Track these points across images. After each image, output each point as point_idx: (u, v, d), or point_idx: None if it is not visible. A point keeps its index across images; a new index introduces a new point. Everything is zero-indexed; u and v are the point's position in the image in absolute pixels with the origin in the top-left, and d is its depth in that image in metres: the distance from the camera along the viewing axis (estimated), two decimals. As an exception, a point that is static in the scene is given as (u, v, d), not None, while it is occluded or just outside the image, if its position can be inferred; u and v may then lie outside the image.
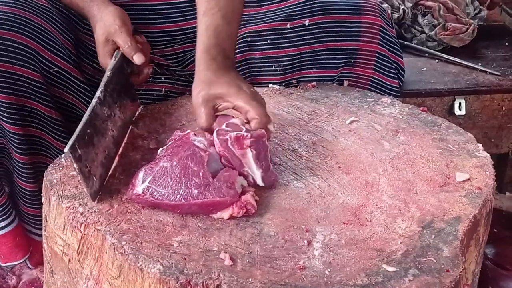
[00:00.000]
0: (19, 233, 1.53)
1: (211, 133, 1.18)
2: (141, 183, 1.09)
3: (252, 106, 1.19)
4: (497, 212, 1.86)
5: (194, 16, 1.61)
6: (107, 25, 1.36)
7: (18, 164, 1.44)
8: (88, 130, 1.13)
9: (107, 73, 1.28)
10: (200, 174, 1.08)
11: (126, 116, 1.31)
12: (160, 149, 1.18)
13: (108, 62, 1.35)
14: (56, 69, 1.44)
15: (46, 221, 1.14)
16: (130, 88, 1.38)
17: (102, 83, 1.24)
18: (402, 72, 1.75)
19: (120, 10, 1.40)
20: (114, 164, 1.20)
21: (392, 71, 1.70)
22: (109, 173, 1.17)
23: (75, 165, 1.06)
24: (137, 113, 1.38)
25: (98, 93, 1.21)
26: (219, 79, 1.23)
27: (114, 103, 1.26)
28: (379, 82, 1.70)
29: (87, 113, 1.15)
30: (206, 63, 1.25)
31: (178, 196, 1.07)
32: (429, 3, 2.17)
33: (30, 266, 1.61)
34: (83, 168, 1.08)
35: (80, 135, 1.09)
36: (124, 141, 1.27)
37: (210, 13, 1.31)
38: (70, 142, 1.07)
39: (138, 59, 1.35)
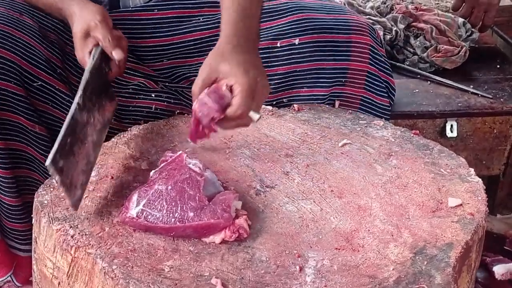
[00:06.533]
0: (1, 249, 1.51)
1: (194, 99, 1.23)
2: (135, 206, 1.08)
3: (241, 95, 1.21)
4: (488, 234, 1.86)
5: (183, 31, 1.62)
6: (87, 20, 1.36)
7: (0, 178, 1.43)
8: (69, 139, 1.12)
9: (86, 75, 1.26)
10: (196, 198, 1.08)
11: (105, 118, 1.31)
12: (153, 171, 1.18)
13: (85, 56, 1.35)
14: (40, 83, 1.44)
15: (36, 243, 1.13)
16: (108, 87, 1.38)
17: (81, 87, 1.22)
18: (393, 91, 1.76)
19: (100, 7, 1.40)
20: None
21: (383, 90, 1.71)
22: (89, 179, 1.18)
23: (56, 178, 1.06)
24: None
25: (77, 99, 1.19)
26: (233, 56, 1.26)
27: (93, 106, 1.25)
28: (369, 101, 1.70)
29: (67, 120, 1.14)
30: (227, 37, 1.30)
31: (173, 219, 1.06)
32: (422, 25, 2.18)
33: (17, 283, 1.59)
34: (65, 180, 1.07)
35: (60, 145, 1.09)
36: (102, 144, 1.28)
37: None
38: (50, 156, 1.06)
39: (117, 54, 1.35)
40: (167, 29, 1.62)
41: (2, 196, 1.45)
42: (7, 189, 1.44)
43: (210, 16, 1.66)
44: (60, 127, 1.49)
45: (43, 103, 1.46)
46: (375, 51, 1.66)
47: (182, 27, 1.62)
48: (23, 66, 1.40)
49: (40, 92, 1.44)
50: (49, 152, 1.45)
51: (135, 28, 1.60)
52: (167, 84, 1.64)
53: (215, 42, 1.64)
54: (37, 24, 1.46)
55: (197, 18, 1.64)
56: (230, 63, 1.25)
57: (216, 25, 1.65)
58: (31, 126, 1.43)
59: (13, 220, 1.48)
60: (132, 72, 1.62)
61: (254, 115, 1.25)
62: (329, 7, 1.69)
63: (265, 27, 1.65)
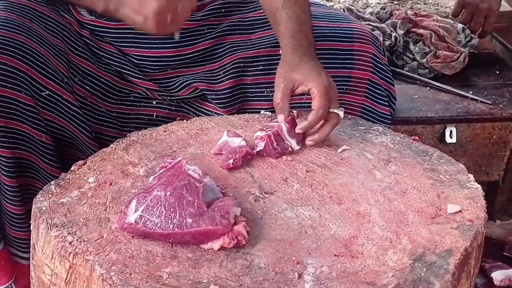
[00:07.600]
0: (4, 256, 1.51)
1: (279, 111, 1.37)
2: (133, 212, 1.08)
3: (319, 96, 1.34)
4: (487, 240, 1.85)
5: (189, 42, 1.62)
6: None
7: (5, 186, 1.43)
8: None
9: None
10: (195, 204, 1.08)
11: None
12: (152, 177, 1.18)
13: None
14: (47, 92, 1.44)
15: (34, 249, 1.13)
16: None
17: None
18: (394, 100, 1.76)
19: None
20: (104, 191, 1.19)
21: (384, 98, 1.71)
22: None
23: None
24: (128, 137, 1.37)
25: None
26: (303, 65, 1.38)
27: None
28: (370, 109, 1.70)
29: None
30: (293, 49, 1.41)
31: (171, 225, 1.06)
32: (421, 31, 2.19)
33: (16, 291, 1.59)
34: None
35: None
36: None
37: (289, 5, 1.46)
38: None
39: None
40: (174, 40, 1.61)
41: (7, 204, 1.45)
42: (12, 198, 1.44)
43: (214, 26, 1.66)
44: (66, 137, 1.50)
45: (50, 112, 1.46)
46: (377, 59, 1.66)
47: (188, 38, 1.62)
48: (33, 76, 1.40)
49: (47, 101, 1.45)
50: (54, 162, 1.46)
51: (144, 38, 1.59)
52: (168, 97, 1.64)
53: (217, 52, 1.65)
54: (45, 31, 1.46)
55: (202, 28, 1.64)
56: (302, 71, 1.37)
57: (219, 34, 1.65)
58: (38, 135, 1.43)
59: (16, 228, 1.49)
60: (134, 81, 1.63)
61: (339, 112, 1.37)
62: (332, 15, 1.69)
63: (267, 34, 1.65)
